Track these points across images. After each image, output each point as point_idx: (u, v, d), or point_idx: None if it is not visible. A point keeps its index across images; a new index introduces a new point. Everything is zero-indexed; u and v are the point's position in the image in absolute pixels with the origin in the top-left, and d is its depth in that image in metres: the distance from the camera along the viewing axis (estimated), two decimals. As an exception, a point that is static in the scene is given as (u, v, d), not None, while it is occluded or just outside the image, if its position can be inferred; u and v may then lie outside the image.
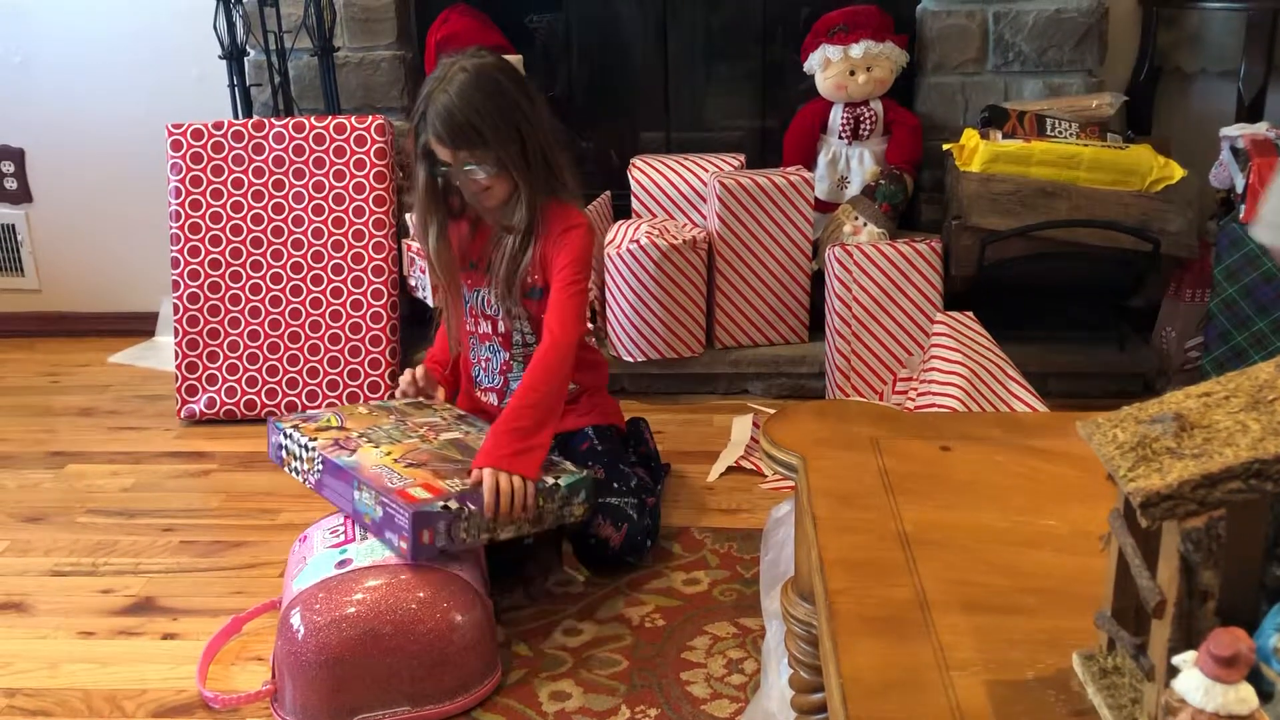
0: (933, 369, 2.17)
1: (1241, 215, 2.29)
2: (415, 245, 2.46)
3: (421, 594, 1.55)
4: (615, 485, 1.91)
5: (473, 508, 1.61)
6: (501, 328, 2.00)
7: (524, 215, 1.87)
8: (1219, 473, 0.67)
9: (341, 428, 1.82)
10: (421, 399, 2.01)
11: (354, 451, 1.72)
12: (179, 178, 2.58)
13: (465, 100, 1.76)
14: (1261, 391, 0.73)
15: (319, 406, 2.52)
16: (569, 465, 1.81)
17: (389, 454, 1.72)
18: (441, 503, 1.58)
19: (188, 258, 2.57)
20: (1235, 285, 2.32)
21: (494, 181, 1.84)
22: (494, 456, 1.68)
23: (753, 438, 2.35)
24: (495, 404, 2.04)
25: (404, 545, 1.57)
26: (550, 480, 1.73)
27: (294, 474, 1.80)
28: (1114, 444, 0.74)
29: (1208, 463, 0.68)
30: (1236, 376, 0.76)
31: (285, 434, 1.80)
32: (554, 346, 1.83)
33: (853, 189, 2.73)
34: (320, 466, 1.73)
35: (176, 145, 2.58)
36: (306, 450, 1.76)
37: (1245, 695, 0.63)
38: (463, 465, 1.71)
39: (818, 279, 2.58)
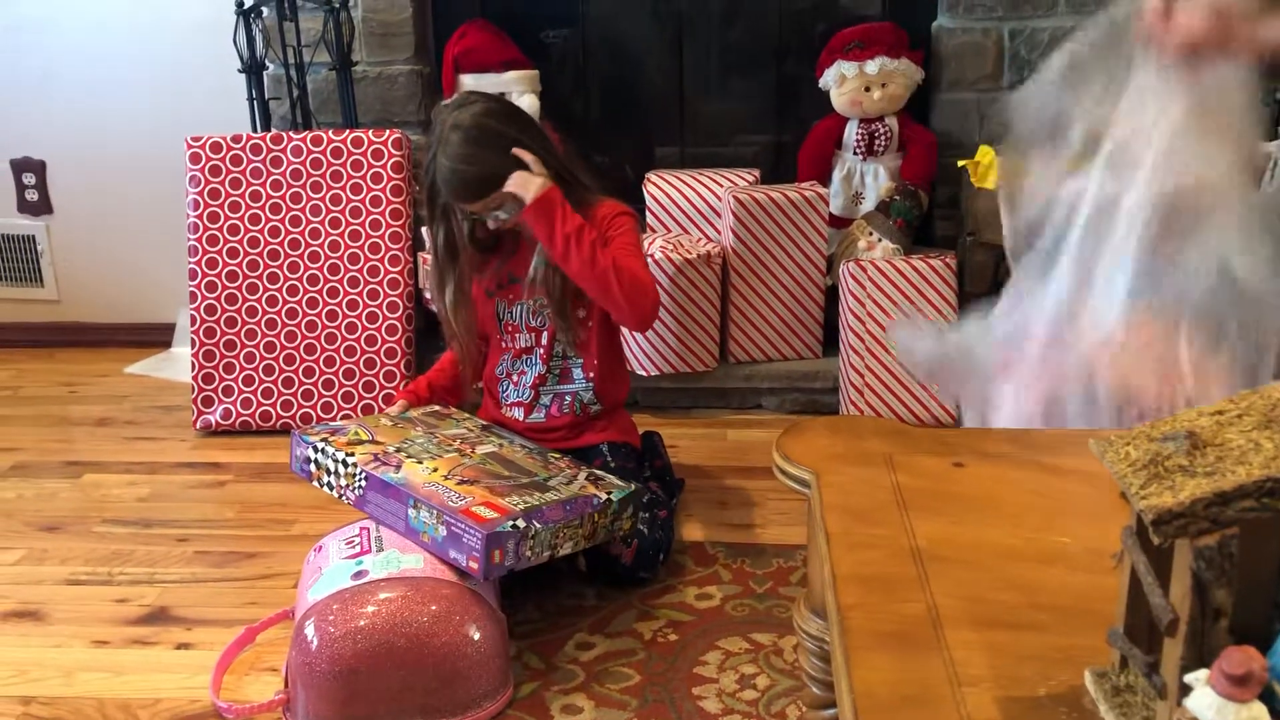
0: None
1: None
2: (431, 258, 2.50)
3: (435, 608, 1.56)
4: None
5: (538, 526, 1.63)
6: (544, 339, 2.02)
7: None
8: (1232, 491, 0.67)
9: (374, 441, 1.82)
10: (437, 406, 2.03)
11: (399, 468, 1.72)
12: (197, 190, 2.60)
13: (463, 158, 1.86)
14: (1275, 410, 0.73)
15: (334, 418, 2.53)
16: (616, 480, 1.83)
17: (435, 470, 1.72)
18: (510, 522, 1.60)
19: (205, 269, 2.58)
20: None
21: (517, 214, 1.92)
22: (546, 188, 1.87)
23: None
24: (521, 419, 2.05)
25: (474, 565, 1.58)
26: (604, 496, 1.75)
27: (326, 489, 1.79)
28: (1126, 461, 0.74)
29: (1220, 481, 0.68)
30: (1249, 395, 0.76)
31: (315, 448, 1.79)
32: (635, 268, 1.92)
33: (867, 204, 2.73)
34: (364, 483, 1.72)
35: (195, 158, 2.60)
36: (345, 465, 1.75)
37: (1258, 714, 0.62)
38: (512, 481, 1.73)
39: (832, 294, 2.58)
